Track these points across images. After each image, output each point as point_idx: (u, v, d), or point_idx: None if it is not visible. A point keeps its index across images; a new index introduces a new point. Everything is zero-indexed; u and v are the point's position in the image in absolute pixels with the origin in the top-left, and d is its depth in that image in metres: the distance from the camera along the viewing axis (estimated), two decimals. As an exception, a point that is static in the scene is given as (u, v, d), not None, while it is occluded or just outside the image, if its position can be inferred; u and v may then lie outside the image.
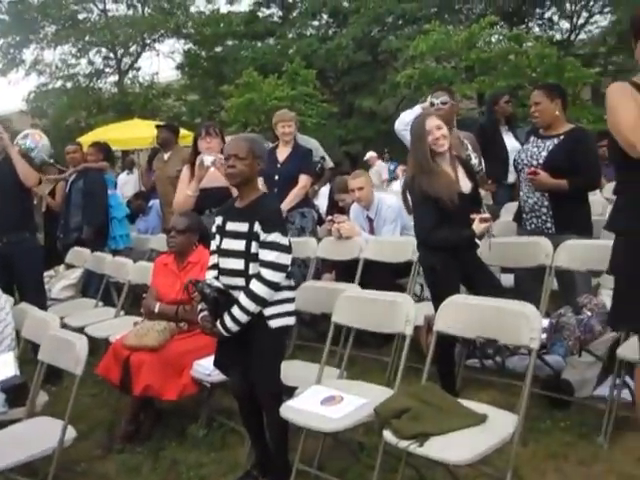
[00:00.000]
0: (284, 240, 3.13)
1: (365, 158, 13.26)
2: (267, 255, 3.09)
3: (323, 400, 3.09)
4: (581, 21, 23.04)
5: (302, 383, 3.38)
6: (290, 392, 3.31)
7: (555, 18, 23.52)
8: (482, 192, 5.65)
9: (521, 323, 2.75)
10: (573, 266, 3.92)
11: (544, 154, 4.27)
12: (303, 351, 4.64)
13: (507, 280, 4.74)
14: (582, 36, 23.02)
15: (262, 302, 3.10)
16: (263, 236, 3.10)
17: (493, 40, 15.45)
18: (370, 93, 20.06)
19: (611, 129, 2.68)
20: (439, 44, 13.75)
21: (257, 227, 3.11)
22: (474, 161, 4.59)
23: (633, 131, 2.53)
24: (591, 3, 22.37)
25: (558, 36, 22.49)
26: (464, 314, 3.03)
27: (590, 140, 4.42)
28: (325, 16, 24.62)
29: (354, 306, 3.50)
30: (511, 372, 4.02)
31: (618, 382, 3.42)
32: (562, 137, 4.27)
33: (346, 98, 21.58)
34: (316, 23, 24.85)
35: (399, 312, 3.19)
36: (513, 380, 3.77)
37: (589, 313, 3.41)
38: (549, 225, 4.26)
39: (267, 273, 3.08)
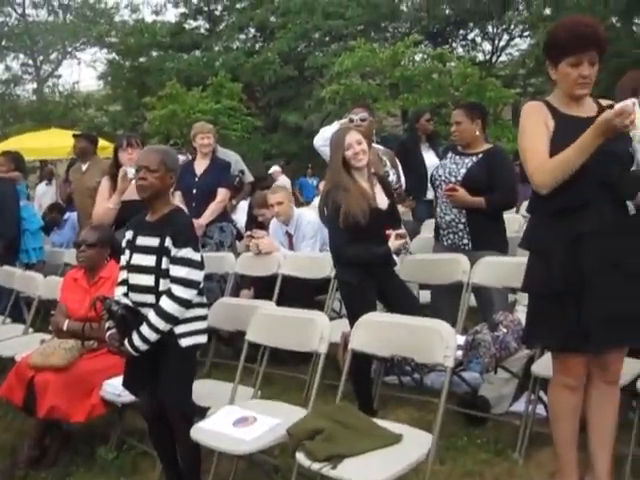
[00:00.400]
0: (196, 256, 3.05)
1: (270, 172, 13.17)
2: (178, 271, 3.00)
3: (236, 421, 2.99)
4: (502, 43, 23.83)
5: (215, 403, 3.28)
6: (202, 413, 3.20)
7: (478, 40, 24.27)
8: (402, 209, 5.68)
9: (436, 341, 2.73)
10: (489, 283, 3.94)
11: (463, 171, 4.29)
12: (220, 369, 4.52)
13: (425, 296, 4.74)
14: (503, 58, 23.83)
15: (172, 320, 3.00)
16: (174, 251, 3.01)
17: (417, 59, 15.72)
18: (296, 108, 20.10)
19: (520, 152, 2.71)
20: (364, 61, 13.88)
21: (168, 242, 3.02)
22: (392, 178, 4.59)
23: (538, 172, 2.59)
24: (512, 27, 23.15)
25: (480, 57, 23.17)
26: (379, 332, 2.99)
27: (507, 159, 4.53)
28: (252, 30, 24.59)
29: (269, 324, 3.43)
30: (429, 389, 4.01)
31: (533, 398, 3.44)
32: (480, 155, 4.30)
33: (272, 112, 21.56)
34: (243, 37, 24.78)
35: (314, 330, 3.13)
36: (431, 397, 3.74)
37: (505, 330, 3.41)
38: (465, 241, 4.28)
39: (178, 290, 2.99)
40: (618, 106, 2.44)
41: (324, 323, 3.14)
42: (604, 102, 2.80)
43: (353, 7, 21.44)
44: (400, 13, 22.52)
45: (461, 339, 3.46)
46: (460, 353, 3.34)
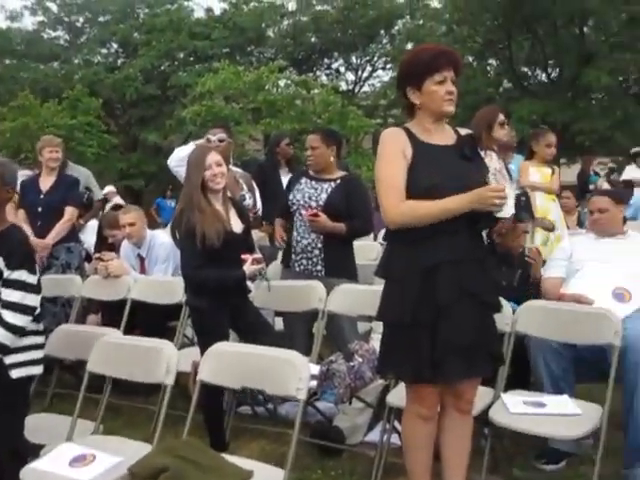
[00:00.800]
0: (31, 278, 2.79)
1: (104, 192, 12.58)
2: (10, 295, 2.75)
3: (72, 460, 2.73)
4: (365, 74, 24.53)
5: (52, 440, 3.00)
6: (36, 451, 2.91)
7: (342, 69, 24.87)
8: (260, 233, 5.56)
9: (288, 372, 2.60)
10: (345, 310, 3.89)
11: (324, 196, 4.24)
12: (65, 401, 4.18)
13: (279, 324, 4.63)
14: (366, 88, 24.52)
15: (2, 349, 2.73)
16: (7, 273, 2.75)
17: (281, 84, 15.80)
18: (156, 127, 19.66)
19: (375, 180, 2.68)
20: (227, 83, 13.76)
21: (0, 263, 2.75)
22: (248, 201, 4.48)
23: (393, 210, 2.58)
24: (375, 59, 23.90)
25: (344, 86, 23.71)
26: (229, 362, 2.83)
27: (363, 187, 4.58)
28: (114, 45, 23.91)
29: (113, 353, 3.19)
30: (284, 419, 3.88)
31: (388, 428, 3.38)
32: (338, 182, 4.29)
33: (131, 131, 20.98)
34: (105, 51, 24.06)
35: (160, 360, 2.92)
36: (285, 428, 3.60)
37: (360, 359, 3.35)
38: (319, 267, 4.22)
39: (9, 315, 2.74)
40: (497, 186, 2.53)
41: (171, 352, 2.94)
42: (462, 131, 2.81)
43: (219, 29, 21.42)
44: (266, 38, 22.67)
45: (316, 368, 3.37)
46: (314, 383, 3.25)
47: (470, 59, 17.34)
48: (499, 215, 2.59)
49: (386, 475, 3.34)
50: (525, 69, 17.93)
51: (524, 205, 2.70)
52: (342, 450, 3.70)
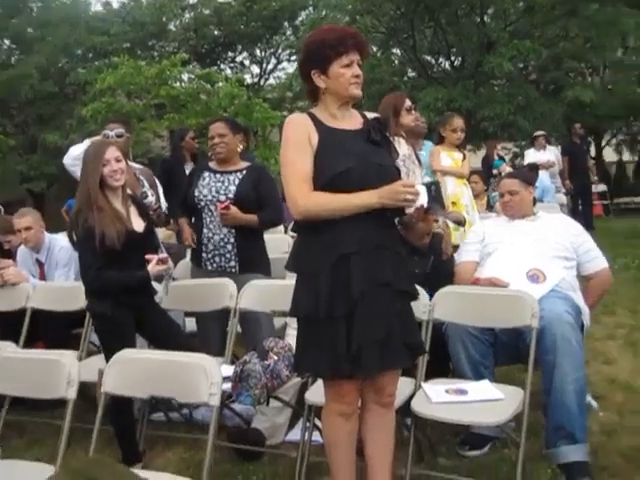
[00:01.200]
0: None
1: None
2: None
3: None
4: (270, 67, 24.31)
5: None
6: None
7: (247, 62, 24.56)
8: (166, 232, 5.35)
9: (200, 378, 2.43)
10: (258, 307, 3.74)
11: (232, 188, 4.07)
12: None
13: (191, 324, 4.44)
14: (271, 81, 24.31)
15: None
16: None
17: (185, 78, 15.43)
18: (56, 127, 18.83)
19: (281, 167, 2.56)
20: (128, 79, 13.28)
21: None
22: (150, 199, 4.27)
23: (302, 200, 2.47)
24: (279, 51, 23.71)
25: (249, 79, 23.43)
26: (135, 371, 2.63)
27: (270, 175, 4.40)
28: (7, 41, 22.79)
29: (8, 368, 2.92)
30: (200, 424, 3.70)
31: (308, 426, 3.26)
32: (245, 171, 4.14)
33: (30, 131, 20.05)
34: (-3, 47, 22.93)
35: (60, 373, 2.68)
36: (201, 434, 3.43)
37: (276, 357, 3.20)
38: (233, 264, 4.05)
39: None
40: (408, 181, 2.56)
41: (71, 363, 2.70)
42: (370, 115, 2.71)
43: (119, 23, 20.71)
44: (168, 32, 22.09)
45: (229, 369, 3.21)
46: (229, 386, 3.09)
47: (374, 49, 17.42)
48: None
49: (309, 476, 3.23)
50: (429, 58, 18.18)
51: (435, 195, 2.62)
52: (263, 453, 3.56)
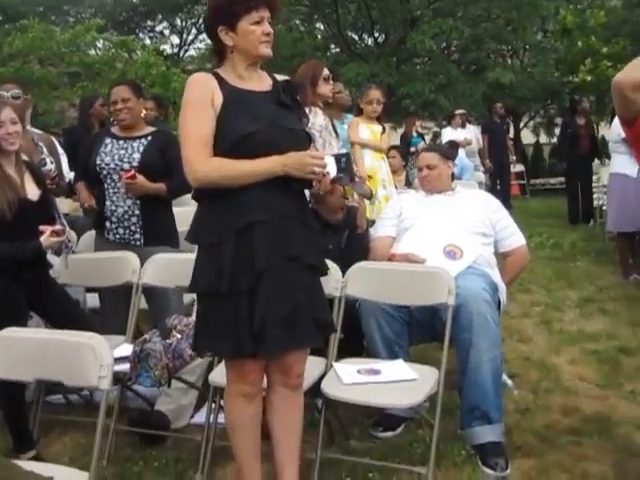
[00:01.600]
0: None
1: None
2: None
3: None
4: (191, 37, 23.66)
5: None
6: None
7: (166, 32, 23.85)
8: (74, 203, 5.04)
9: (88, 359, 2.20)
10: (162, 282, 3.50)
11: (136, 156, 3.79)
12: None
13: (93, 301, 4.17)
14: (192, 52, 23.68)
15: None
16: None
17: (100, 45, 14.81)
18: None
19: (179, 129, 2.37)
20: (38, 43, 12.61)
21: None
22: (50, 166, 3.97)
23: (199, 163, 2.28)
24: (200, 21, 23.05)
25: (169, 50, 22.78)
26: (18, 352, 2.36)
27: (177, 141, 4.12)
28: None
29: None
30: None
31: (214, 408, 3.08)
32: (150, 137, 3.87)
33: None
34: None
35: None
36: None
37: (179, 336, 2.99)
38: (138, 236, 3.80)
39: None
40: (317, 153, 2.43)
41: None
42: (280, 77, 2.52)
43: (29, -16, 19.71)
44: (83, -3, 21.21)
45: (130, 349, 2.99)
46: (126, 367, 2.87)
47: (297, 22, 17.17)
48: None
49: (214, 460, 3.06)
50: (352, 34, 18.04)
51: (345, 167, 2.46)
52: (167, 436, 3.37)
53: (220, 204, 2.31)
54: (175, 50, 23.27)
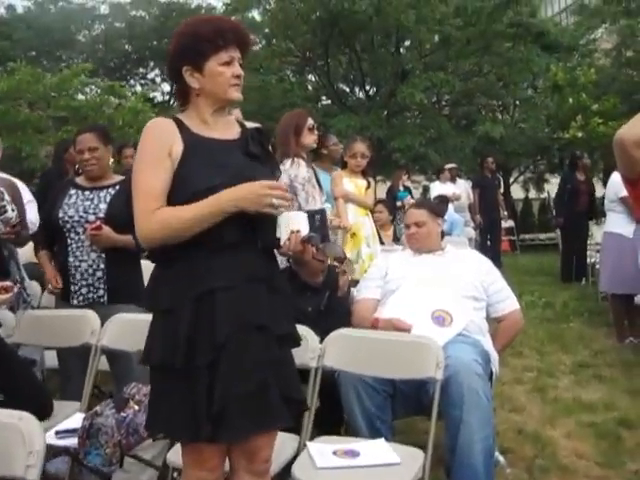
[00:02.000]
0: None
1: None
2: None
3: None
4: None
5: None
6: None
7: (158, 80, 23.89)
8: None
9: (15, 444, 1.87)
10: (123, 346, 3.19)
11: (103, 206, 3.55)
12: None
13: (52, 360, 3.84)
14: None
15: None
16: None
17: (88, 90, 14.67)
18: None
19: (132, 180, 2.09)
20: (24, 86, 12.41)
21: None
22: (10, 214, 3.69)
23: (143, 224, 2.03)
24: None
25: (160, 97, 22.76)
26: None
27: None
28: None
29: None
30: (54, 476, 3.13)
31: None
32: (118, 187, 3.62)
33: None
34: None
35: None
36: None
37: (136, 407, 2.67)
38: (101, 293, 3.51)
39: None
40: (275, 183, 2.05)
41: None
42: (249, 124, 2.26)
43: (22, 29, 19.72)
44: (76, 42, 21.20)
45: (79, 421, 2.68)
46: (74, 442, 2.56)
47: (288, 73, 17.16)
48: (278, 234, 2.09)
49: None
50: (343, 86, 18.03)
51: (318, 225, 2.19)
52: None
53: (177, 266, 2.03)
54: (166, 97, 23.25)
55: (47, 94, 13.04)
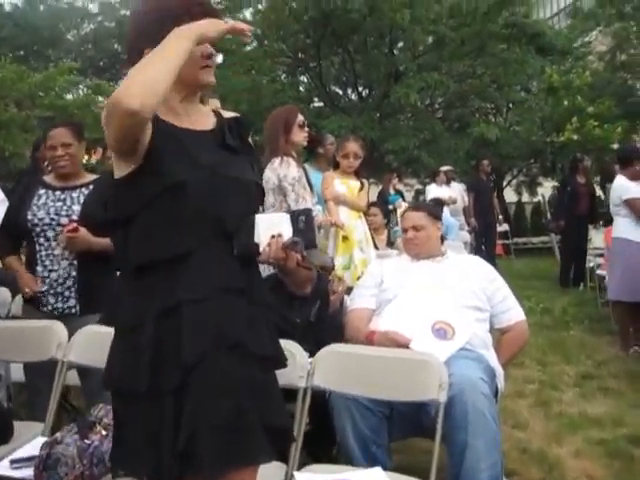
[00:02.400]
0: None
1: None
2: None
3: None
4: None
5: None
6: None
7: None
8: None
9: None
10: (91, 361, 2.87)
11: (76, 208, 3.29)
12: None
13: (19, 373, 3.54)
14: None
15: None
16: None
17: (75, 89, 14.38)
18: None
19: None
20: (9, 84, 12.12)
21: None
22: None
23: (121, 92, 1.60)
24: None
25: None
26: None
27: None
28: None
29: None
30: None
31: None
32: (91, 187, 3.36)
33: None
34: None
35: None
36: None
37: (104, 432, 2.39)
38: (73, 303, 3.24)
39: None
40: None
41: None
42: (226, 113, 1.97)
43: (9, 27, 19.40)
44: (64, 41, 20.87)
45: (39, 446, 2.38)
46: (29, 473, 2.27)
47: (280, 74, 16.90)
48: (256, 239, 1.81)
49: None
50: (335, 87, 17.78)
51: (303, 228, 1.90)
52: None
53: (141, 276, 1.74)
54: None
55: (33, 92, 12.74)
